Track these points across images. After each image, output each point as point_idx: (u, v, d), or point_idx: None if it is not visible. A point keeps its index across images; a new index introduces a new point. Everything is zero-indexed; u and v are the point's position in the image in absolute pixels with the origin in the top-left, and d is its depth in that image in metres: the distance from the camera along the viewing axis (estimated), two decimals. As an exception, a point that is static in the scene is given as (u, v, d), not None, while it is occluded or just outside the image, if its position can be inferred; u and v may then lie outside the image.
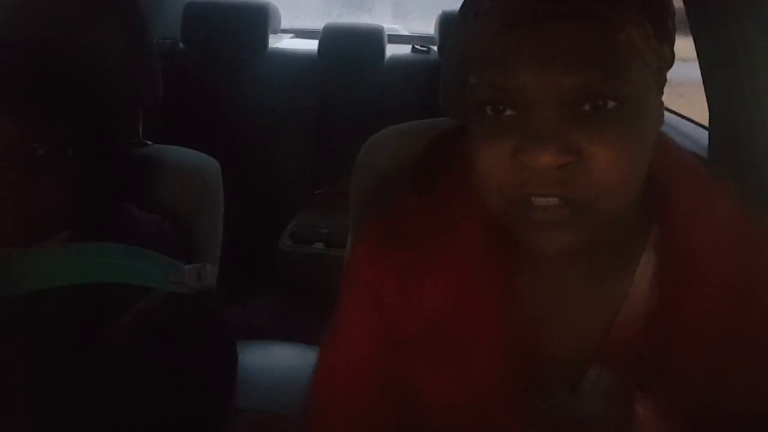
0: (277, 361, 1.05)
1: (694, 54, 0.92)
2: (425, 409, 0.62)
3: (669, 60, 0.54)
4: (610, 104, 0.49)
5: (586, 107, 0.49)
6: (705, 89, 0.94)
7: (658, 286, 0.59)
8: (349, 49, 2.00)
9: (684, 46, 0.76)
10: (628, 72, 0.50)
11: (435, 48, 2.04)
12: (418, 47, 2.08)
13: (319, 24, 2.13)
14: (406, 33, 2.47)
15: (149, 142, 1.03)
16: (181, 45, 2.02)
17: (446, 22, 1.90)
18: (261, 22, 2.02)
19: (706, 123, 0.96)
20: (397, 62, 2.04)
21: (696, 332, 0.57)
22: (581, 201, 0.50)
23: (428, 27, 2.17)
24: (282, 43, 2.20)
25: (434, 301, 0.59)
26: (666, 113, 0.57)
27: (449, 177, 0.63)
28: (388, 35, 2.08)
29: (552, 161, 0.48)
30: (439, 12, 1.97)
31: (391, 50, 2.07)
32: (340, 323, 0.65)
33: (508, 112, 0.51)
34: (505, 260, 0.59)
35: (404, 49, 2.12)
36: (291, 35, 2.32)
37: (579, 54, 0.48)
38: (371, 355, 0.63)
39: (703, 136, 0.98)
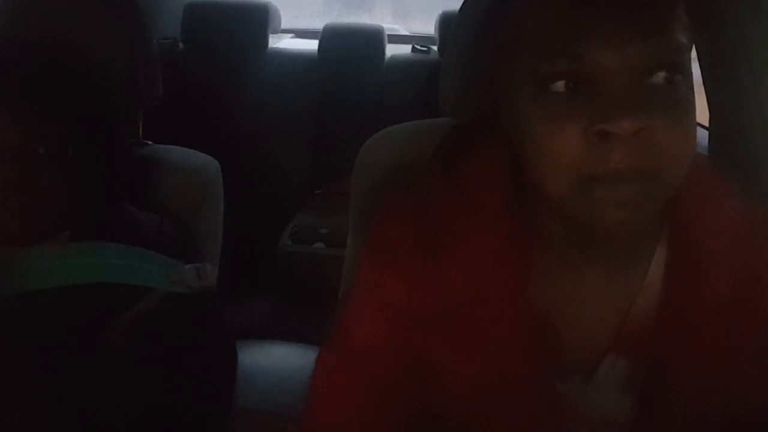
0: (277, 361, 1.05)
1: (694, 54, 0.92)
2: (441, 389, 0.62)
3: None
4: (678, 77, 0.51)
5: (660, 79, 0.51)
6: (705, 89, 0.94)
7: (668, 280, 0.60)
8: (349, 49, 2.00)
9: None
10: (688, 45, 0.52)
11: (435, 48, 2.04)
12: (418, 47, 2.07)
13: (319, 24, 2.13)
14: (406, 33, 2.47)
15: (149, 142, 1.03)
16: (181, 45, 2.02)
17: (446, 22, 1.90)
18: (261, 22, 2.02)
19: (706, 123, 0.96)
20: (397, 62, 2.03)
21: (704, 325, 0.58)
22: (651, 172, 0.50)
23: (428, 27, 2.17)
24: (282, 43, 2.20)
25: (454, 280, 0.59)
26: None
27: (473, 163, 0.63)
28: (388, 35, 2.08)
29: (634, 126, 0.48)
30: (439, 12, 1.97)
31: (391, 50, 2.07)
32: (359, 296, 0.65)
33: (582, 86, 0.51)
34: (525, 246, 0.59)
35: (404, 49, 2.11)
36: (291, 35, 2.32)
37: (656, 23, 0.50)
38: (390, 330, 0.62)
39: (703, 136, 0.98)
